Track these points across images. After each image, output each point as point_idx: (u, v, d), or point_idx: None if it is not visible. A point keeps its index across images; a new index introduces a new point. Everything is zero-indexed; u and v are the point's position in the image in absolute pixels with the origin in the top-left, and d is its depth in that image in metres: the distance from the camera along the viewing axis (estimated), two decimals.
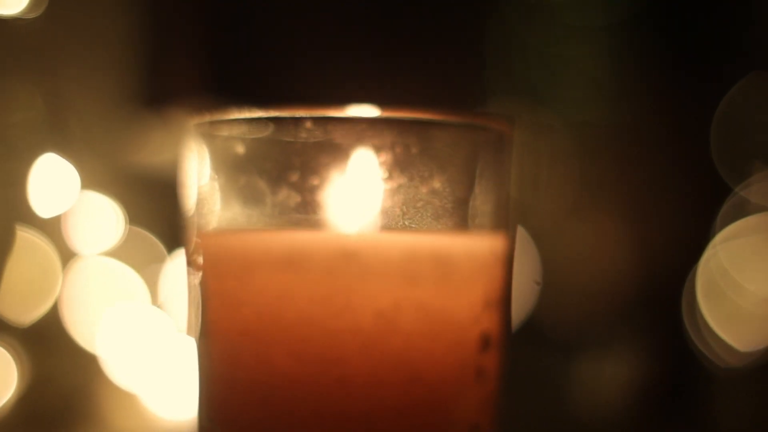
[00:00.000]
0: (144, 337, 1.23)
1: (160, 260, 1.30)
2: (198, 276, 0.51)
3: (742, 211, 1.57)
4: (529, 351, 1.33)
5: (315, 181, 0.48)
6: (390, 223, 0.49)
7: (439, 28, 1.64)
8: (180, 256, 1.29)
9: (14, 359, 1.13)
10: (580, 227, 1.68)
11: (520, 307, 1.54)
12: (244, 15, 1.54)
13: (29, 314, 1.16)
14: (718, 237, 1.56)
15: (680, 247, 1.62)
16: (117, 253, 1.25)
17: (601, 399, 1.47)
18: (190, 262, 0.51)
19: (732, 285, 1.55)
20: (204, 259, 0.50)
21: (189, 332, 0.52)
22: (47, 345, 1.16)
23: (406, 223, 0.49)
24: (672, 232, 1.64)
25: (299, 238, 0.48)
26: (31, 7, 1.15)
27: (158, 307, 1.26)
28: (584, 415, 1.44)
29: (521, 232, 1.48)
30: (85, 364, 1.19)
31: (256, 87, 1.49)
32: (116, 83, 1.41)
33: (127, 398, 1.20)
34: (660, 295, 1.61)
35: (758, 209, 1.56)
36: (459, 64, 1.63)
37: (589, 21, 1.66)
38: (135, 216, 1.28)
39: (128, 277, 1.24)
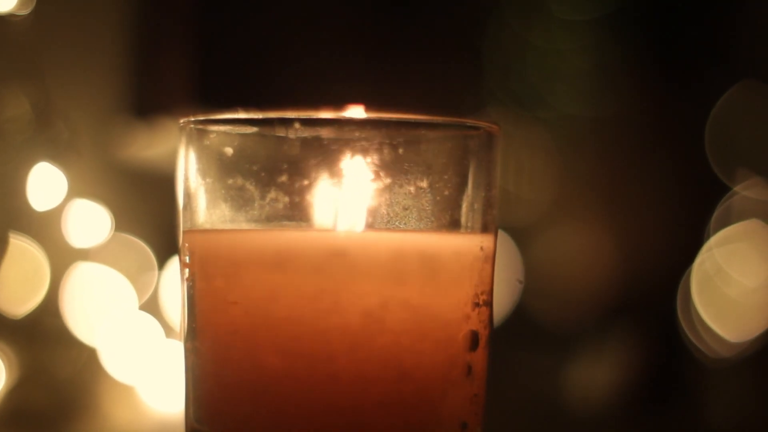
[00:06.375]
0: (136, 339, 1.23)
1: (151, 265, 1.30)
2: (186, 275, 0.51)
3: (737, 208, 1.57)
4: (517, 347, 1.33)
5: (304, 181, 0.49)
6: (378, 223, 0.49)
7: (423, 24, 1.65)
8: (171, 260, 1.29)
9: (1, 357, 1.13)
10: (570, 224, 1.68)
11: (509, 304, 1.54)
12: (236, 19, 1.54)
13: (19, 310, 1.16)
14: (713, 236, 1.57)
15: (674, 243, 1.62)
16: (106, 258, 1.25)
17: (590, 391, 1.48)
18: (180, 262, 0.52)
19: (724, 277, 1.56)
20: (192, 259, 0.50)
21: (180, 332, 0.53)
22: (37, 342, 1.16)
23: (394, 222, 0.49)
24: (666, 229, 1.65)
25: (288, 237, 0.48)
26: (21, 4, 1.14)
27: (146, 310, 1.26)
28: (573, 407, 1.44)
29: (504, 232, 1.48)
30: (76, 356, 1.19)
31: (247, 93, 1.49)
32: (106, 86, 1.41)
33: (122, 390, 1.21)
34: (653, 290, 1.61)
35: (755, 203, 1.57)
36: (444, 59, 1.63)
37: (586, 14, 1.66)
38: (125, 221, 1.28)
39: (118, 280, 1.24)
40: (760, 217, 1.57)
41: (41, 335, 1.17)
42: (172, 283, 1.28)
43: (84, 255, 1.23)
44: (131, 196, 1.37)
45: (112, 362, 1.21)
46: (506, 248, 1.53)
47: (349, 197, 0.49)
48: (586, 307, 1.64)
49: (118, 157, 1.40)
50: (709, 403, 1.50)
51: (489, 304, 0.51)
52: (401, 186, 0.49)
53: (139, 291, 1.26)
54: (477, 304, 0.49)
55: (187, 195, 0.51)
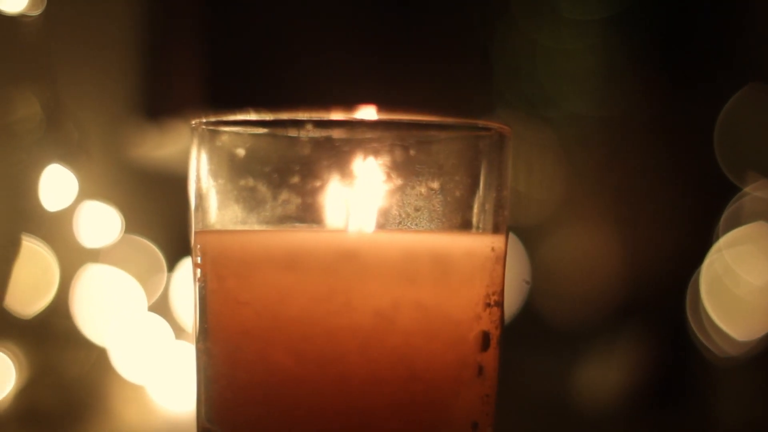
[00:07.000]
0: (145, 340, 1.23)
1: (160, 266, 1.30)
2: (198, 276, 0.51)
3: (747, 210, 1.57)
4: (526, 348, 1.33)
5: (315, 182, 0.49)
6: (389, 224, 0.49)
7: (433, 25, 1.65)
8: (181, 261, 1.29)
9: (11, 357, 1.14)
10: (578, 224, 1.68)
11: (517, 304, 1.54)
12: (246, 20, 1.54)
13: (29, 311, 1.16)
14: (722, 237, 1.57)
15: (683, 244, 1.62)
16: (116, 259, 1.25)
17: (600, 390, 1.48)
18: (192, 263, 0.52)
19: (733, 277, 1.56)
20: (204, 260, 0.51)
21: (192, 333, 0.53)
22: (47, 342, 1.17)
23: (406, 223, 0.49)
24: (676, 229, 1.64)
25: (299, 238, 0.49)
26: (32, 5, 1.15)
27: (156, 311, 1.26)
28: (583, 406, 1.44)
29: (511, 231, 1.48)
30: (86, 356, 1.20)
31: (258, 94, 1.49)
32: (117, 87, 1.41)
33: (132, 390, 1.21)
34: (662, 290, 1.61)
35: (764, 204, 1.56)
36: (454, 60, 1.63)
37: (595, 14, 1.66)
38: (135, 223, 1.29)
39: (127, 282, 1.25)
40: None
41: (51, 335, 1.17)
42: (181, 284, 1.28)
43: (94, 256, 1.23)
44: (141, 197, 1.37)
45: (122, 362, 1.22)
46: (513, 248, 1.53)
47: (360, 198, 0.49)
48: (595, 306, 1.63)
49: (129, 159, 1.40)
50: (719, 402, 1.50)
51: (500, 304, 0.51)
52: (412, 187, 0.49)
53: (149, 292, 1.27)
54: (488, 305, 0.49)
55: (199, 196, 0.51)
